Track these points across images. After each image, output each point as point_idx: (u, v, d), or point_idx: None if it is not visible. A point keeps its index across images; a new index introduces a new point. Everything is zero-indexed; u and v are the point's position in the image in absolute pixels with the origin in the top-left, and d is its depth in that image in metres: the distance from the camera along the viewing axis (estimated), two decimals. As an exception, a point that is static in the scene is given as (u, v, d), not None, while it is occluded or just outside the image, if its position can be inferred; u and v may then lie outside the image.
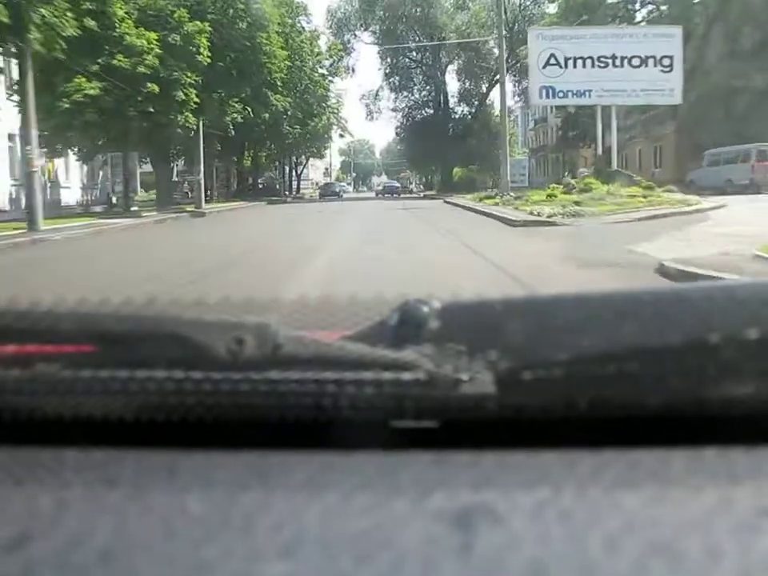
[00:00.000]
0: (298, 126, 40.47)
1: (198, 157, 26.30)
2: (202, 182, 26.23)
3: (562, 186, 22.58)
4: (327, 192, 48.90)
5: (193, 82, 22.52)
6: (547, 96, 26.13)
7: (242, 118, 30.83)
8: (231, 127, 30.55)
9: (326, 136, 53.31)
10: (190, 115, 22.69)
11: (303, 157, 59.89)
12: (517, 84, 52.03)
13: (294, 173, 60.73)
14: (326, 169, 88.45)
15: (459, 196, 35.65)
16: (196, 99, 22.50)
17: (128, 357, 0.57)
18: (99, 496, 0.51)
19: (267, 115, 33.92)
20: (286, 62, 36.15)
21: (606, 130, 25.07)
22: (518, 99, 54.43)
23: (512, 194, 24.98)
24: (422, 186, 75.72)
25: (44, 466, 0.55)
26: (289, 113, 38.07)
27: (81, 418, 0.58)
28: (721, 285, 0.58)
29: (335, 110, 52.22)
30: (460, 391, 0.54)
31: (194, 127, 23.36)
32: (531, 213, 14.98)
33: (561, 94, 25.83)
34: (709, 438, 0.54)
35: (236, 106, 29.69)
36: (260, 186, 48.27)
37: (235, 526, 0.46)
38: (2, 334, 0.60)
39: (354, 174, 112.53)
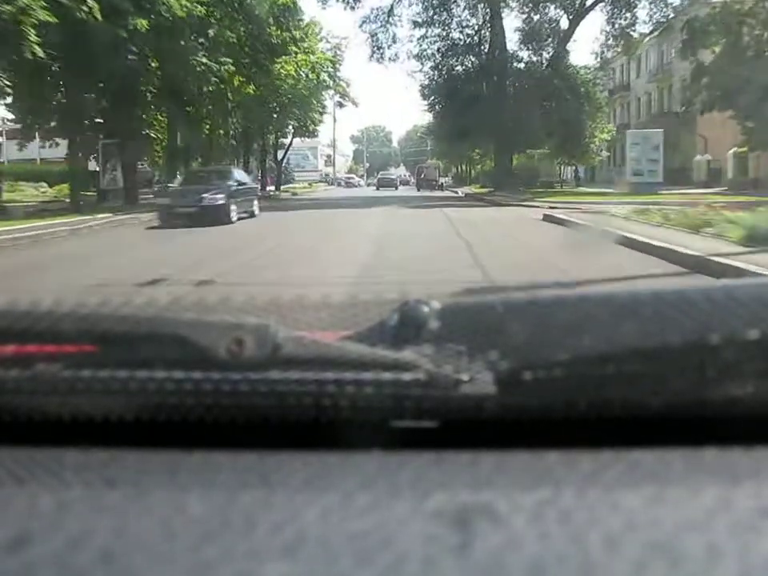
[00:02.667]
0: (230, 61, 20.24)
1: None
2: None
3: None
4: (175, 210, 14.24)
5: None
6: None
7: (59, 18, 12.82)
8: (38, 44, 12.60)
9: (314, 102, 35.48)
10: None
11: (288, 135, 41.90)
12: (611, 22, 33.50)
13: (275, 158, 42.66)
14: (329, 157, 70.25)
15: (555, 203, 17.12)
16: None
17: (128, 357, 0.58)
18: (99, 496, 0.51)
19: (146, 24, 15.59)
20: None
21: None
22: (614, 44, 35.79)
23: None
24: (449, 179, 57.28)
25: (44, 466, 0.55)
26: (210, 33, 19.13)
27: (81, 418, 0.59)
28: (721, 285, 0.59)
29: (330, 65, 34.54)
30: (460, 391, 0.55)
31: None
32: None
33: None
34: (709, 439, 0.54)
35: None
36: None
37: (235, 527, 0.46)
38: (3, 334, 0.61)
39: (368, 165, 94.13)
